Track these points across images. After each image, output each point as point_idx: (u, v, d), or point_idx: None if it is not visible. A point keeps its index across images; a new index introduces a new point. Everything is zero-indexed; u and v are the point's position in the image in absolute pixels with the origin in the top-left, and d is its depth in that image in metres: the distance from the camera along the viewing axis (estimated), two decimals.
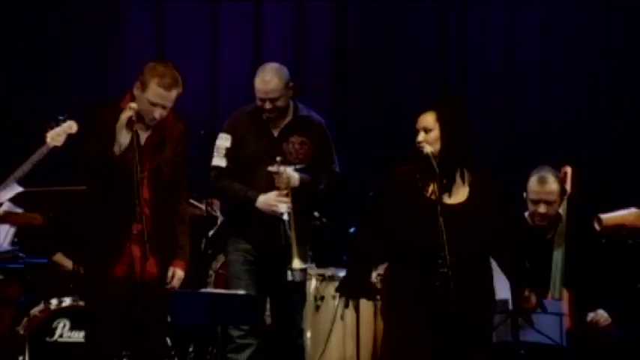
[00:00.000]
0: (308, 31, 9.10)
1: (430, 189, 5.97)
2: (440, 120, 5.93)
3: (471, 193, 5.99)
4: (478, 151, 6.21)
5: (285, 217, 7.26)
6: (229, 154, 7.29)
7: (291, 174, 7.18)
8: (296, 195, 7.20)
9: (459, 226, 5.87)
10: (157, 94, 6.44)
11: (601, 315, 6.97)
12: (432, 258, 5.81)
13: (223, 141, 7.28)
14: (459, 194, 5.99)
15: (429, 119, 5.93)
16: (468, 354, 5.94)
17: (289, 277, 7.26)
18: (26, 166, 7.11)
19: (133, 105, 6.42)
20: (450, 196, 5.99)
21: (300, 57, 9.07)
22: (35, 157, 7.06)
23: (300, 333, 7.50)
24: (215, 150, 7.30)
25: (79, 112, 7.14)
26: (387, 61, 9.14)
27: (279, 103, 7.20)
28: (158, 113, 6.47)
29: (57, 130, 7.18)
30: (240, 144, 7.29)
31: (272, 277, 7.32)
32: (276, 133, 7.30)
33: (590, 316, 6.98)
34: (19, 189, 7.15)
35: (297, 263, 7.23)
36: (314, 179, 7.30)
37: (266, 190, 7.23)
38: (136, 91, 6.48)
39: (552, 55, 8.99)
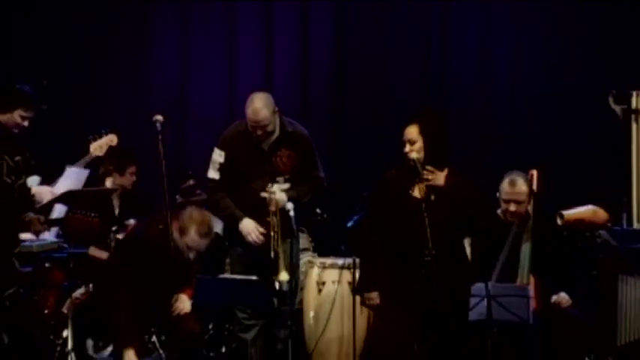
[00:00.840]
0: (311, 48, 9.05)
1: (415, 189, 6.16)
2: (422, 132, 6.12)
3: (450, 192, 6.21)
4: (457, 156, 6.45)
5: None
6: (222, 168, 7.33)
7: (279, 198, 7.24)
8: (283, 215, 7.26)
9: (440, 220, 6.07)
10: (194, 241, 6.61)
11: (563, 297, 7.08)
12: (416, 248, 6.03)
13: (217, 156, 7.34)
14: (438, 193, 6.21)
15: (413, 132, 6.13)
16: (448, 329, 6.08)
17: (277, 287, 7.31)
18: (79, 167, 7.13)
19: None
20: (433, 196, 6.17)
21: (305, 72, 9.03)
22: (80, 165, 7.11)
23: (286, 324, 7.48)
24: (211, 163, 7.35)
25: (114, 125, 7.42)
26: (379, 68, 9.10)
27: (269, 128, 7.27)
28: (192, 255, 6.65)
29: (100, 141, 7.26)
30: (234, 159, 7.33)
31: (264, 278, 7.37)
32: (266, 148, 7.34)
33: (554, 298, 7.07)
34: (63, 189, 7.02)
35: (283, 275, 7.33)
36: (299, 194, 7.36)
37: (257, 200, 7.29)
38: (175, 233, 6.57)
39: (523, 70, 8.94)
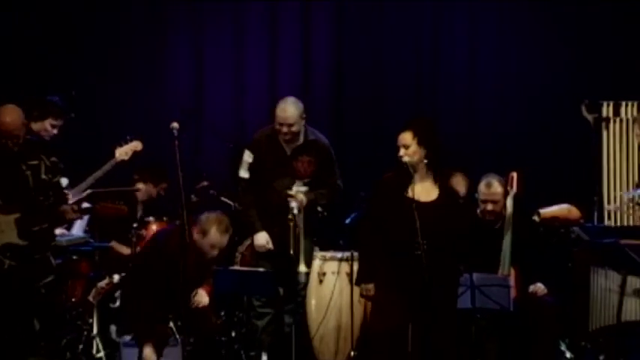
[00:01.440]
0: (312, 57, 8.98)
1: (409, 190, 6.13)
2: (415, 137, 6.10)
3: (440, 193, 6.19)
4: (446, 159, 6.34)
5: (295, 211, 7.34)
6: (251, 167, 7.43)
7: (300, 198, 7.36)
8: (305, 214, 7.40)
9: (430, 218, 6.04)
10: (216, 239, 6.67)
11: (539, 287, 7.09)
12: (409, 243, 6.02)
13: (247, 157, 7.43)
14: (431, 194, 6.18)
15: (406, 137, 6.11)
16: (437, 314, 6.07)
17: (298, 279, 7.50)
18: (98, 174, 7.15)
19: None
20: (424, 196, 6.16)
21: (306, 78, 8.95)
22: (106, 167, 7.15)
23: (299, 306, 7.58)
24: (241, 163, 7.44)
25: (134, 131, 7.40)
26: (375, 72, 9.02)
27: (294, 129, 7.34)
28: (215, 252, 6.71)
29: (125, 147, 7.28)
30: (260, 159, 7.42)
31: (283, 269, 7.46)
32: (289, 152, 7.44)
33: (531, 287, 7.09)
34: (88, 190, 7.06)
35: (302, 268, 7.46)
36: (317, 197, 7.47)
37: (280, 195, 7.39)
38: (196, 235, 6.63)
39: (505, 81, 8.88)
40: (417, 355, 6.13)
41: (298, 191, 7.38)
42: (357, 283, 6.57)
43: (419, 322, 6.12)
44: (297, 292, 7.56)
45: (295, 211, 7.35)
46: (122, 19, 8.83)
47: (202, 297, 6.80)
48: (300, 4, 8.94)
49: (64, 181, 6.99)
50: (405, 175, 6.17)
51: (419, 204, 6.10)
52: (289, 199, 7.35)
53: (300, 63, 8.97)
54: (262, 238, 7.41)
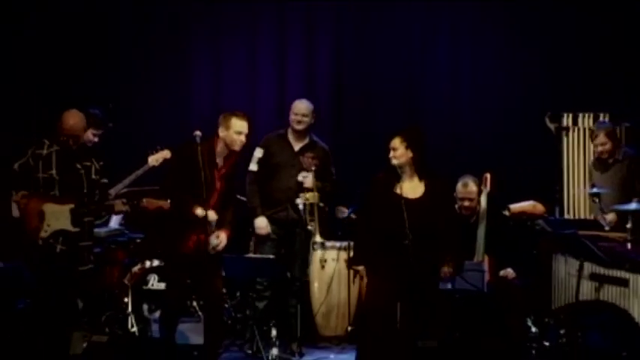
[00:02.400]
0: (316, 71, 8.95)
1: (397, 188, 6.19)
2: (404, 142, 6.14)
3: (425, 190, 6.19)
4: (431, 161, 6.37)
5: (301, 206, 7.51)
6: (260, 162, 7.55)
7: (310, 179, 7.51)
8: (319, 192, 7.55)
9: (417, 212, 6.08)
10: (239, 125, 6.48)
11: (509, 271, 7.17)
12: (398, 234, 6.06)
13: (258, 153, 7.55)
14: (417, 191, 6.20)
15: (396, 142, 6.15)
16: (422, 293, 6.13)
17: (312, 248, 7.64)
18: (132, 177, 7.15)
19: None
20: (412, 193, 6.18)
21: (311, 87, 8.87)
22: (139, 172, 7.16)
23: (301, 282, 7.61)
24: (252, 159, 7.53)
25: (162, 139, 7.35)
26: (370, 82, 8.94)
27: (306, 119, 7.57)
28: (241, 140, 6.51)
29: (156, 155, 7.24)
30: (271, 155, 7.54)
31: (288, 247, 7.59)
32: (296, 149, 7.62)
33: (502, 272, 7.16)
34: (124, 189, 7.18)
35: (318, 237, 7.67)
36: (323, 185, 7.60)
37: (287, 185, 7.52)
38: (222, 133, 6.49)
39: (481, 93, 8.79)
40: (404, 329, 6.12)
41: (306, 177, 7.51)
42: (349, 266, 6.66)
43: (406, 301, 6.12)
44: (301, 275, 7.62)
45: (299, 199, 7.50)
46: (150, 40, 8.79)
47: (223, 239, 6.57)
48: (305, 24, 8.87)
49: (106, 182, 6.97)
50: (394, 174, 6.20)
51: (406, 200, 6.12)
52: (301, 179, 7.50)
53: (304, 74, 8.94)
54: (262, 222, 7.49)
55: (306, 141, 7.64)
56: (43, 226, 6.42)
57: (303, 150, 7.61)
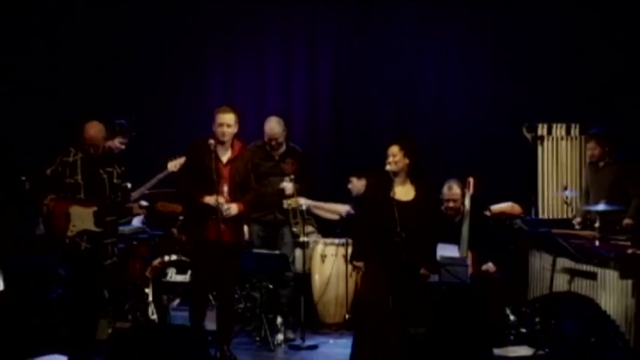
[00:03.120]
0: (318, 90, 8.93)
1: (391, 191, 6.16)
2: (402, 150, 6.12)
3: (416, 194, 6.19)
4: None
5: (304, 207, 7.55)
6: None
7: (290, 187, 7.42)
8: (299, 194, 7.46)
9: (408, 213, 6.08)
10: (219, 118, 6.52)
11: (490, 265, 7.19)
12: (390, 233, 6.06)
13: None
14: (409, 195, 6.19)
15: (395, 149, 6.13)
16: (411, 286, 6.14)
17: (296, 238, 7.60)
18: (153, 181, 7.17)
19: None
20: (404, 196, 6.19)
21: (313, 108, 8.90)
22: (159, 176, 7.18)
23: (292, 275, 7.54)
24: None
25: (179, 146, 7.31)
26: (366, 99, 8.90)
27: (280, 140, 7.49)
28: (223, 131, 6.49)
29: (175, 161, 7.27)
30: (255, 165, 7.20)
31: (274, 245, 7.52)
32: (276, 157, 7.54)
33: (484, 266, 7.17)
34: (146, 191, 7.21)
35: (302, 237, 7.65)
36: (301, 186, 7.49)
37: (272, 191, 7.44)
38: (213, 128, 6.55)
39: (469, 107, 8.75)
40: (396, 316, 6.10)
41: (287, 183, 7.44)
42: (351, 261, 6.60)
43: (398, 292, 6.12)
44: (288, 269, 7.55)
45: (285, 204, 7.49)
46: (169, 56, 8.79)
47: (232, 209, 6.53)
48: (308, 39, 8.85)
49: (128, 185, 6.96)
50: (388, 179, 6.20)
51: (399, 202, 6.13)
52: (284, 195, 7.46)
53: (308, 93, 8.95)
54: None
55: (284, 149, 7.55)
56: (70, 227, 6.47)
57: (282, 157, 7.55)
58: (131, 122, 7.56)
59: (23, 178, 6.71)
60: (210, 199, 6.46)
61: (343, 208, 7.87)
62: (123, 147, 7.37)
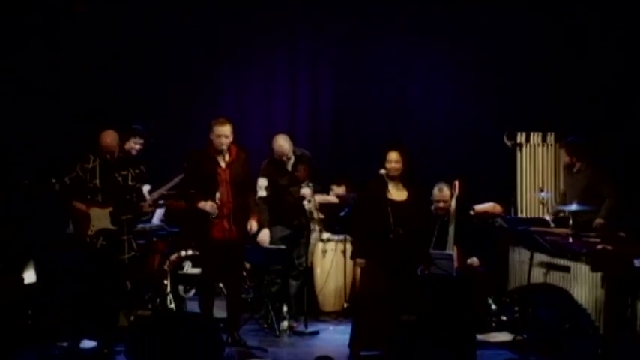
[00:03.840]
0: (320, 103, 8.83)
1: (386, 192, 6.35)
2: (402, 157, 6.35)
3: (409, 195, 6.40)
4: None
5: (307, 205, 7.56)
6: (267, 189, 7.30)
7: (308, 192, 7.40)
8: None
9: (402, 212, 6.28)
10: (216, 130, 6.51)
11: (474, 259, 7.16)
12: (387, 230, 6.25)
13: (263, 181, 7.29)
14: (403, 195, 6.40)
15: (395, 156, 6.35)
16: (405, 277, 6.32)
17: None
18: (170, 184, 7.04)
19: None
20: (398, 197, 6.37)
21: (315, 121, 8.84)
22: (176, 180, 7.05)
23: (302, 266, 7.50)
24: (258, 187, 7.23)
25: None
26: (362, 112, 8.83)
27: (289, 155, 7.38)
28: (221, 142, 6.48)
29: None
30: (273, 180, 7.31)
31: (294, 242, 7.48)
32: (289, 168, 7.42)
33: (468, 260, 7.15)
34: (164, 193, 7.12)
35: (319, 234, 7.76)
36: (315, 187, 7.49)
37: (294, 199, 7.38)
38: (211, 137, 6.54)
39: (456, 116, 8.68)
40: (391, 304, 6.22)
41: (306, 188, 7.44)
42: (353, 257, 6.66)
43: (394, 284, 6.25)
44: (299, 264, 7.54)
45: (307, 206, 7.54)
46: (188, 73, 8.72)
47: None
48: (311, 70, 8.81)
49: (147, 187, 7.20)
50: (383, 182, 6.34)
51: (393, 202, 6.26)
52: (302, 197, 7.45)
53: (311, 107, 8.88)
54: (265, 235, 7.21)
55: (293, 158, 7.48)
56: (90, 227, 6.57)
57: (294, 167, 7.48)
58: (150, 130, 7.58)
59: (54, 181, 6.67)
60: (204, 205, 6.50)
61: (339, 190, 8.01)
62: (138, 147, 7.38)
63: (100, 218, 6.58)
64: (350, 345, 6.43)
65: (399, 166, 6.29)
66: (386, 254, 6.21)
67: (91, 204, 6.55)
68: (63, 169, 6.59)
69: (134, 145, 7.36)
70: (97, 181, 6.56)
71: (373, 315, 6.20)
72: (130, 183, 6.67)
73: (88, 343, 6.44)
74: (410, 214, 6.24)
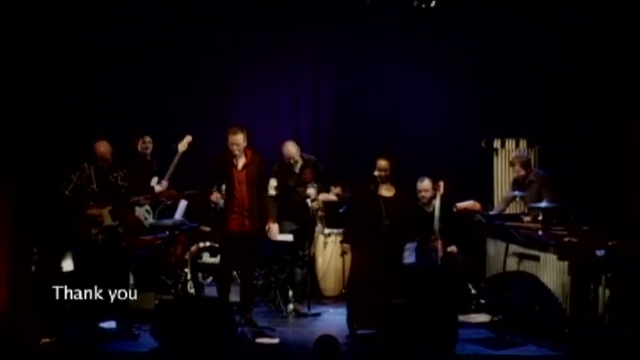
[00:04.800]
0: (321, 115, 8.75)
1: (378, 190, 6.42)
2: (390, 163, 6.42)
3: (396, 192, 6.47)
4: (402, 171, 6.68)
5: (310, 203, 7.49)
6: (277, 189, 7.26)
7: (313, 192, 7.38)
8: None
9: (391, 206, 6.35)
10: (230, 139, 6.55)
11: (453, 248, 7.16)
12: (378, 222, 6.31)
13: (273, 182, 7.24)
14: (390, 192, 6.46)
15: (385, 163, 6.42)
16: (392, 265, 6.35)
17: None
18: (171, 167, 7.01)
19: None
20: (387, 193, 6.43)
21: (317, 130, 8.75)
22: (175, 160, 6.97)
23: (307, 256, 7.47)
24: (269, 187, 7.16)
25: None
26: (358, 125, 8.73)
27: (296, 159, 7.36)
28: (234, 149, 6.53)
29: (183, 142, 7.34)
30: (282, 181, 7.30)
31: (300, 236, 7.41)
32: (297, 171, 7.40)
33: (449, 248, 7.11)
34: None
35: (322, 229, 7.77)
36: (320, 187, 7.49)
37: (301, 197, 7.33)
38: (227, 142, 6.56)
39: (437, 128, 8.58)
40: (382, 289, 6.27)
41: (311, 189, 7.43)
42: (342, 242, 7.04)
43: (384, 270, 6.29)
44: (304, 254, 7.52)
45: (311, 204, 7.51)
46: (203, 87, 8.57)
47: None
48: (313, 84, 8.75)
49: (155, 180, 7.34)
50: (375, 182, 6.45)
51: (384, 199, 6.36)
52: (308, 197, 7.42)
53: (313, 117, 8.80)
54: (275, 229, 7.15)
55: (301, 163, 7.46)
56: (92, 227, 6.51)
57: (301, 170, 7.47)
58: (171, 136, 7.61)
59: (67, 193, 6.61)
60: (213, 197, 6.68)
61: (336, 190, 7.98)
62: (151, 146, 7.43)
63: (103, 217, 6.57)
64: (348, 324, 6.43)
65: (387, 172, 6.37)
66: (378, 242, 6.26)
67: (91, 206, 6.53)
68: (60, 183, 6.51)
69: (148, 144, 7.40)
70: (94, 186, 6.54)
71: (365, 297, 6.23)
72: (119, 183, 6.65)
73: (112, 324, 6.43)
74: (397, 207, 6.30)
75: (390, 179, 6.41)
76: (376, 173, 6.42)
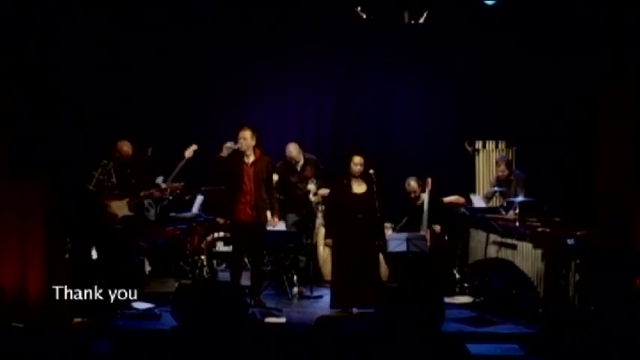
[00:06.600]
0: (322, 118, 8.62)
1: (350, 188, 6.44)
2: (364, 159, 6.39)
3: (367, 187, 6.45)
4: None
5: (312, 198, 7.52)
6: (277, 183, 7.22)
7: (313, 187, 7.43)
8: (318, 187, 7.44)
9: (363, 201, 6.38)
10: (239, 134, 6.48)
11: (437, 227, 7.17)
12: (352, 214, 6.36)
13: (274, 177, 7.12)
14: (362, 188, 6.46)
15: (360, 159, 6.41)
16: (369, 250, 6.35)
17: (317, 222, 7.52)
18: (176, 170, 7.12)
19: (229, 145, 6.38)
20: (359, 190, 6.44)
21: (319, 130, 8.61)
22: (181, 164, 7.02)
23: (308, 247, 7.42)
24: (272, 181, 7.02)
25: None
26: (355, 127, 8.58)
27: (298, 159, 7.45)
28: (241, 144, 6.43)
29: (189, 150, 7.25)
30: (284, 177, 7.36)
31: (303, 227, 7.45)
32: (298, 169, 7.48)
33: (433, 226, 7.14)
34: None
35: (320, 219, 7.64)
36: (319, 185, 7.50)
37: (303, 192, 7.31)
38: (239, 144, 6.48)
39: (424, 130, 8.48)
40: (362, 275, 6.29)
41: (312, 185, 7.44)
42: (325, 237, 6.95)
43: (360, 256, 6.32)
44: (307, 243, 7.50)
45: (312, 199, 7.51)
46: (220, 97, 8.49)
47: (277, 222, 6.70)
48: (317, 93, 8.65)
49: (161, 178, 7.26)
50: (349, 178, 6.47)
51: (355, 195, 6.41)
52: (309, 192, 7.43)
53: (315, 125, 8.68)
54: (275, 222, 6.84)
55: (302, 161, 7.49)
56: (113, 217, 6.59)
57: (303, 168, 7.50)
58: (192, 139, 7.53)
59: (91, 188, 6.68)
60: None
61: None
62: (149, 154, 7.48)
63: (121, 208, 6.60)
64: (331, 305, 6.44)
65: (361, 168, 6.32)
66: (353, 232, 6.31)
67: (112, 198, 6.54)
68: (85, 179, 6.49)
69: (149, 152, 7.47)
70: (114, 179, 6.56)
71: (347, 283, 6.29)
72: (132, 179, 6.77)
73: (141, 305, 6.42)
74: (368, 201, 6.29)
75: (362, 175, 6.37)
76: (353, 167, 6.38)
